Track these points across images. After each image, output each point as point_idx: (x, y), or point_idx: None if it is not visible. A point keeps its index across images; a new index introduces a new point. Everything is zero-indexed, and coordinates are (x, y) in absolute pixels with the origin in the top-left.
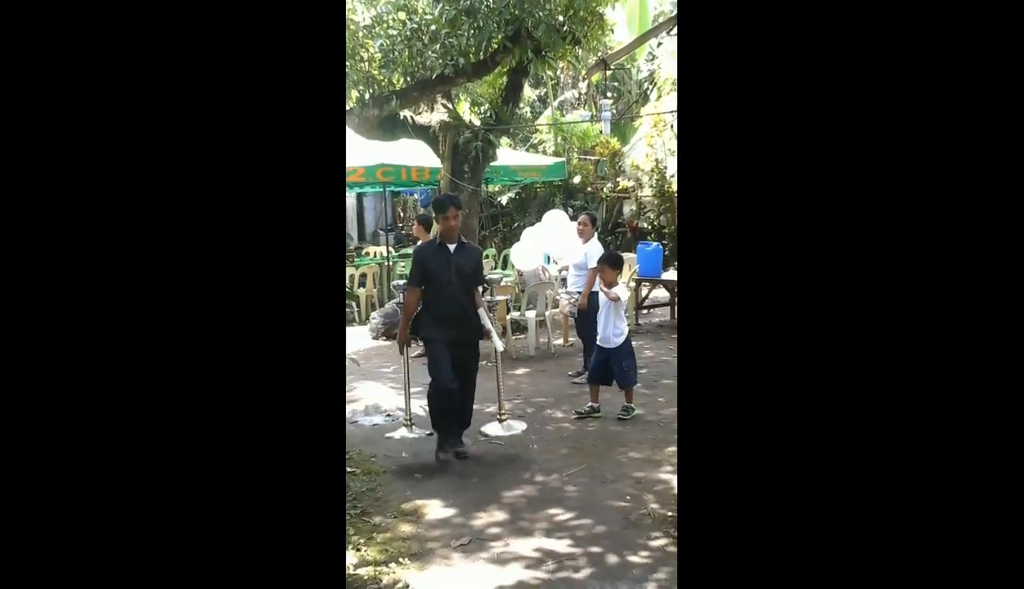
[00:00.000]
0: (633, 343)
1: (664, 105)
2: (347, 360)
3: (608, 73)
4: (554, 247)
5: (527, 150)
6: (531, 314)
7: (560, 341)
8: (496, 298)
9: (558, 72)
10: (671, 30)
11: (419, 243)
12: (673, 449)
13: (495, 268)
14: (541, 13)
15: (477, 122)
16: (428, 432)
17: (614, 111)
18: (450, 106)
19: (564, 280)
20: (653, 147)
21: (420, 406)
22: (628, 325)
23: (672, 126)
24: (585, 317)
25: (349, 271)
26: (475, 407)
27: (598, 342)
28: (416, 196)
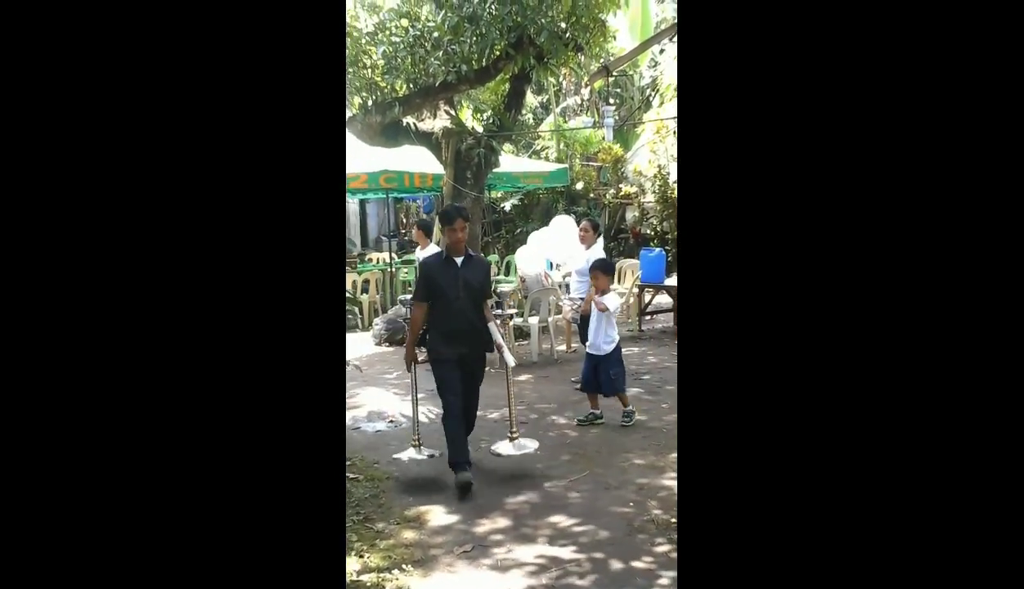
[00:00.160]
0: (636, 349)
1: (666, 111)
2: (350, 366)
3: (610, 79)
4: (559, 252)
5: (530, 156)
6: (534, 320)
7: (563, 347)
8: (508, 311)
9: (560, 79)
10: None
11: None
12: (676, 455)
13: (498, 274)
14: (543, 20)
15: (480, 129)
16: (437, 453)
17: (616, 117)
18: (453, 113)
19: (568, 286)
20: (656, 153)
21: (425, 412)
22: (631, 331)
23: (675, 132)
24: (588, 323)
25: (352, 277)
26: (479, 413)
27: (588, 349)
28: (419, 202)
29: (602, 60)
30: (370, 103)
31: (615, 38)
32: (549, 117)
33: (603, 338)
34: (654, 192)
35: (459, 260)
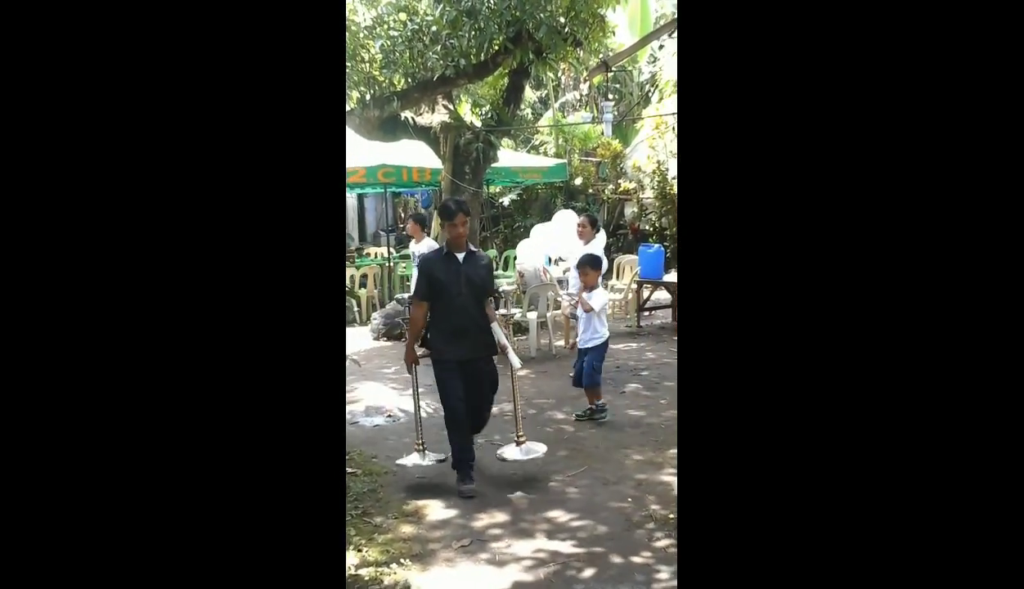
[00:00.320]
0: (634, 345)
1: (666, 107)
2: (348, 361)
3: (609, 75)
4: (561, 246)
5: (528, 151)
6: (532, 315)
7: (561, 342)
8: (511, 311)
9: (559, 74)
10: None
11: (418, 250)
12: (675, 451)
13: (496, 270)
14: (542, 15)
15: (478, 123)
16: (443, 457)
17: (615, 113)
18: (451, 107)
19: (568, 281)
20: (655, 149)
21: (424, 405)
22: (630, 327)
23: (674, 128)
24: (604, 311)
25: (350, 272)
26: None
27: (578, 345)
28: (417, 197)
29: (601, 55)
30: (368, 97)
31: (614, 33)
32: (548, 112)
33: (591, 333)
34: (653, 188)
35: (460, 256)
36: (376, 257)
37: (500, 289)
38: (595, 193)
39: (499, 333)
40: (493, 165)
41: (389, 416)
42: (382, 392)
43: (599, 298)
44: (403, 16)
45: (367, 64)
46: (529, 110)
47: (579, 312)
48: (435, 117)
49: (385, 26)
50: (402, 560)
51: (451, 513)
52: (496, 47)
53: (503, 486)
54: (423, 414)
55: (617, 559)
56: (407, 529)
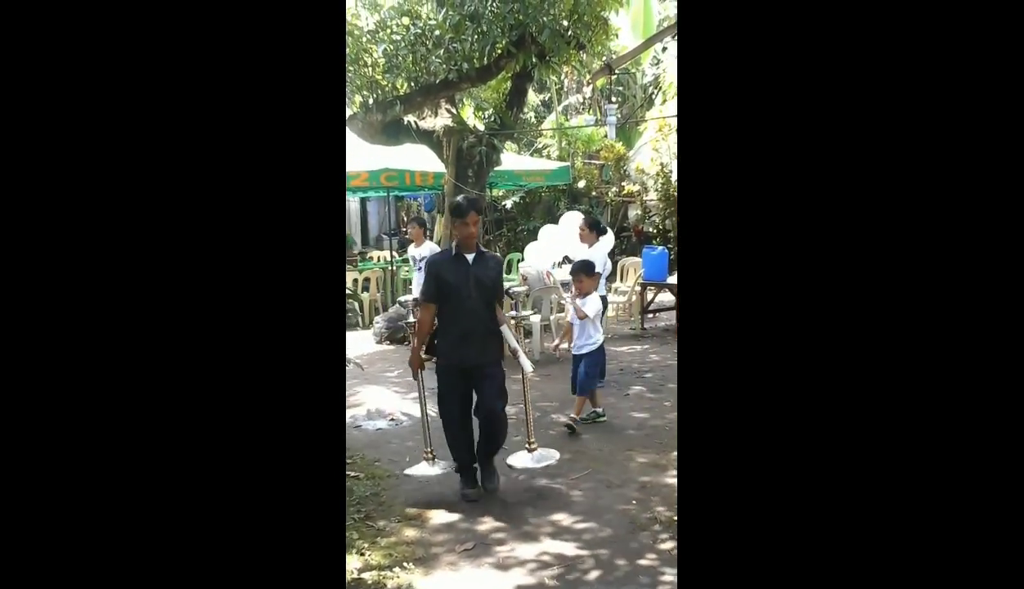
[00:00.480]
0: (638, 347)
1: (669, 109)
2: (351, 364)
3: (612, 77)
4: (567, 249)
5: (531, 154)
6: (536, 318)
7: (565, 345)
8: (523, 313)
9: (562, 77)
10: (675, 35)
11: (423, 254)
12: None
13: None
14: (545, 18)
15: (481, 127)
16: (451, 465)
17: (619, 115)
18: (454, 111)
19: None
20: (658, 151)
21: (431, 408)
22: (634, 329)
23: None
24: (598, 317)
25: (353, 275)
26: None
27: (573, 351)
28: (419, 201)
29: (604, 58)
30: (371, 101)
31: (617, 36)
32: (551, 115)
33: (585, 339)
34: (656, 190)
35: (470, 257)
36: (379, 261)
37: (512, 290)
38: (598, 196)
39: (509, 336)
40: (496, 168)
41: (392, 420)
42: (384, 396)
43: (593, 305)
44: (406, 20)
45: (370, 68)
46: (532, 113)
47: (573, 319)
48: (438, 121)
49: (388, 30)
50: (405, 564)
51: (454, 516)
52: (499, 51)
53: (504, 485)
54: (430, 420)
55: (621, 562)
56: (410, 533)
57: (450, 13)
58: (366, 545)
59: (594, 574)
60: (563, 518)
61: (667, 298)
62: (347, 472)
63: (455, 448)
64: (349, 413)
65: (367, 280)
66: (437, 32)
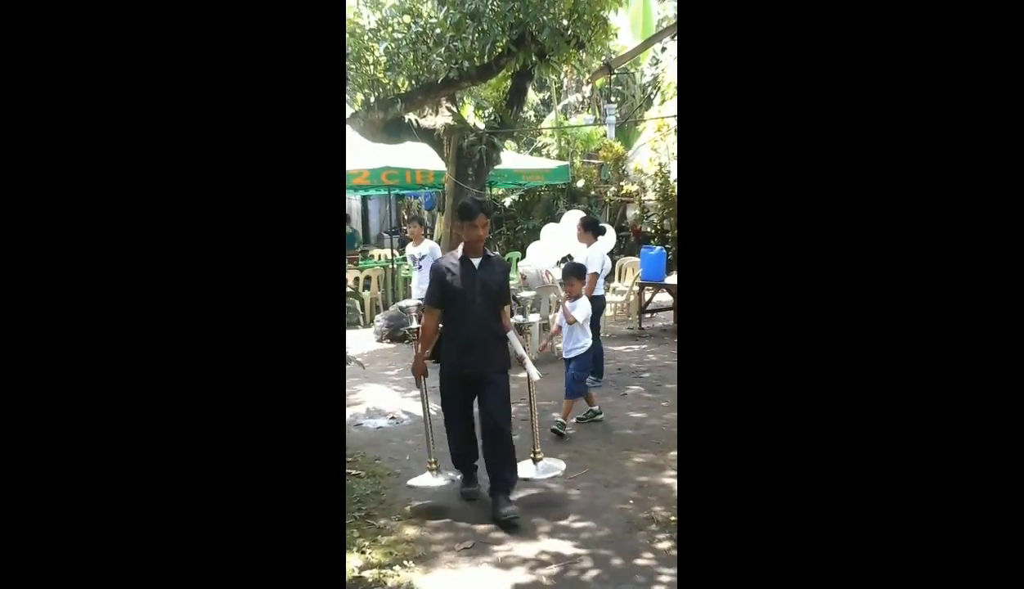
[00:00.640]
0: (636, 347)
1: (668, 109)
2: (352, 363)
3: (612, 77)
4: (569, 247)
5: (531, 153)
6: (535, 318)
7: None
8: (529, 318)
9: (562, 76)
10: (674, 35)
11: (422, 252)
12: (675, 453)
13: None
14: (545, 17)
15: (481, 125)
16: (456, 476)
17: (618, 115)
18: (454, 109)
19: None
20: (657, 151)
21: (434, 411)
22: (632, 329)
23: (675, 130)
24: (587, 321)
25: (354, 274)
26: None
27: (563, 354)
28: (420, 199)
29: (604, 58)
30: (372, 100)
31: (617, 36)
32: (551, 114)
33: (574, 342)
34: (655, 190)
35: (476, 261)
36: (380, 259)
37: (519, 295)
38: (597, 195)
39: (516, 343)
40: (496, 167)
41: (392, 418)
42: (385, 394)
43: (582, 309)
44: (407, 19)
45: (371, 67)
46: (532, 112)
47: (561, 321)
48: (439, 119)
49: (389, 29)
50: (405, 562)
51: (454, 515)
52: (499, 50)
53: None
54: (433, 429)
55: (619, 561)
56: (410, 531)
57: (451, 12)
58: (366, 543)
59: (591, 573)
60: (561, 517)
61: (665, 298)
62: (347, 470)
63: (455, 447)
64: (350, 411)
65: (368, 278)
66: (438, 31)
